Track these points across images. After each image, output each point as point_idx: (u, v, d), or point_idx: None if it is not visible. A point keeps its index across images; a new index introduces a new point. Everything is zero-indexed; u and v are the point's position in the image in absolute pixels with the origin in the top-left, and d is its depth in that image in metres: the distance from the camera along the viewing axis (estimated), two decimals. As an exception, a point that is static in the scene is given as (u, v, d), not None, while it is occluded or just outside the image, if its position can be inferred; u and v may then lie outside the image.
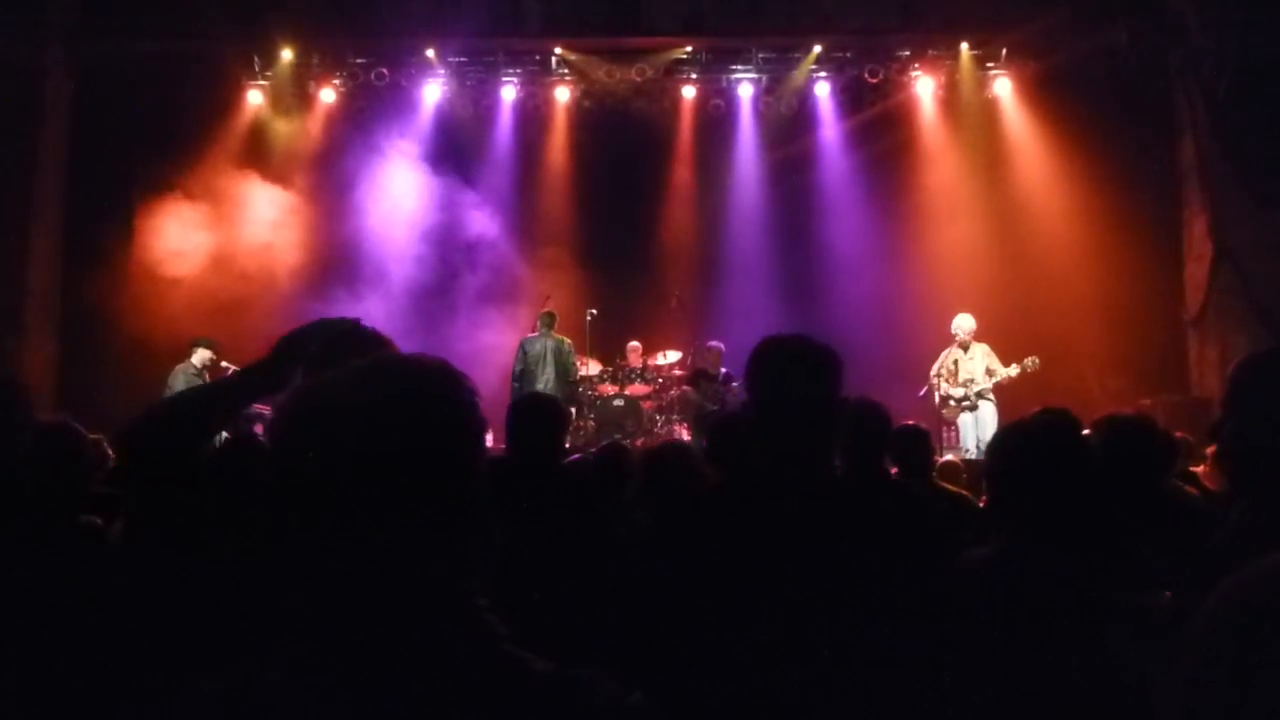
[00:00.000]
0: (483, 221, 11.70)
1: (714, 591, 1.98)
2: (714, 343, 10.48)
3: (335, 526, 1.05)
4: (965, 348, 9.85)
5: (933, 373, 9.93)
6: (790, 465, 2.11)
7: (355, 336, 2.05)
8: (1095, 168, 11.10)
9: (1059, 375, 9.75)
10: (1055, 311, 10.88)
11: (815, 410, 2.11)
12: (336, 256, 11.42)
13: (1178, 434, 4.11)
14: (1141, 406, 8.89)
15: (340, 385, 1.12)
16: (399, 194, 11.68)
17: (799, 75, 12.17)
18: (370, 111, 12.12)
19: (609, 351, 11.01)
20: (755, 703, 1.89)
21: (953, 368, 9.88)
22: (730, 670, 1.90)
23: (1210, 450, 4.35)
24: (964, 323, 9.88)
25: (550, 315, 10.40)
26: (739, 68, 12.32)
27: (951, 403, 9.82)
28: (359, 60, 12.03)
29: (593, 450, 4.98)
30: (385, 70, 11.97)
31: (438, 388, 1.13)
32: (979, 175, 11.95)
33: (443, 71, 12.15)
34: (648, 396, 10.76)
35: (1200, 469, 4.67)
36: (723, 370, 10.29)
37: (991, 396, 9.68)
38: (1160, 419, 5.19)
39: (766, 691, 1.88)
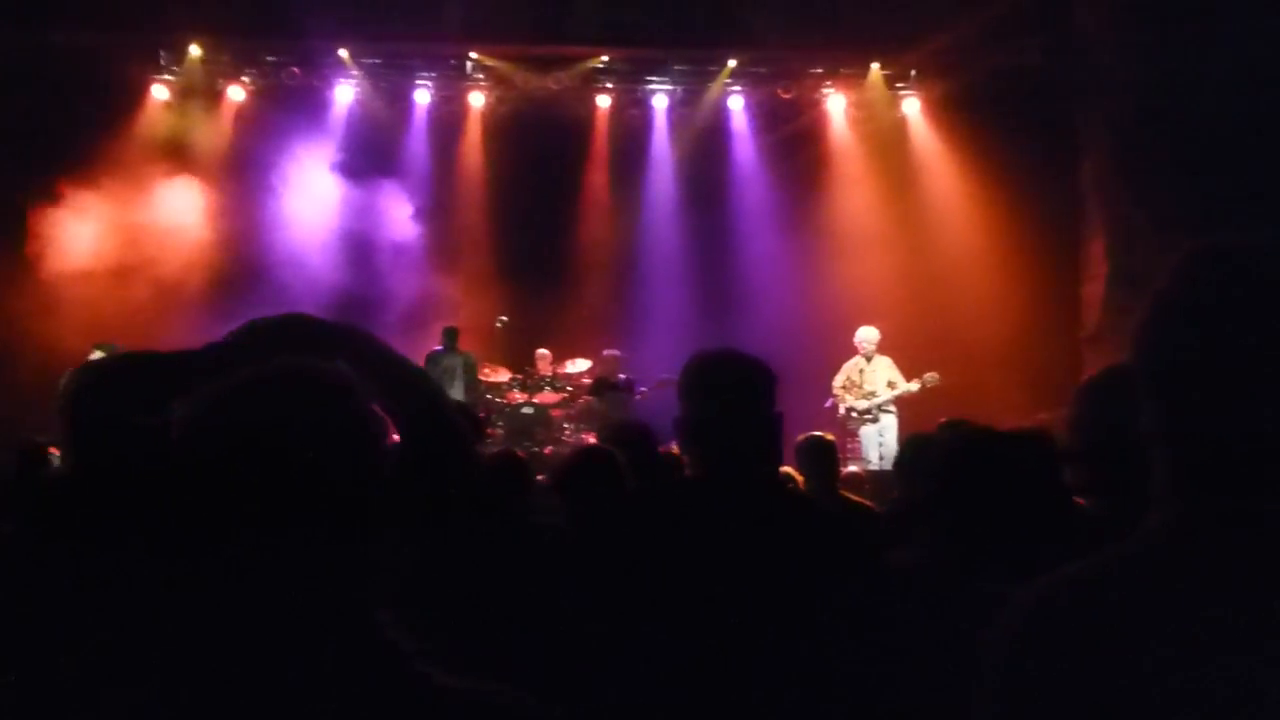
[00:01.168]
0: (394, 226, 11.52)
1: (641, 604, 1.96)
2: (610, 351, 10.60)
3: (227, 540, 1.03)
4: (869, 359, 9.98)
5: (836, 384, 10.03)
6: (730, 477, 2.11)
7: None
8: (999, 187, 11.28)
9: (961, 389, 9.83)
10: (959, 326, 11.06)
11: (755, 425, 2.12)
12: (244, 260, 11.14)
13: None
14: (1039, 420, 9.10)
15: (236, 395, 1.09)
16: (309, 196, 11.47)
17: (714, 88, 12.26)
18: (281, 111, 11.86)
19: (519, 359, 10.95)
20: (679, 715, 1.87)
21: (856, 380, 10.00)
22: (653, 683, 1.88)
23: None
24: (868, 335, 10.02)
25: (453, 331, 10.30)
26: (655, 79, 12.38)
27: (855, 414, 9.93)
28: (270, 58, 11.83)
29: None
30: (297, 69, 11.79)
31: (332, 397, 1.11)
32: (887, 192, 12.11)
33: (356, 73, 12.00)
34: (557, 405, 10.75)
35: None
36: (622, 377, 10.37)
37: (893, 409, 9.82)
38: (1058, 432, 5.45)
39: (690, 704, 1.88)
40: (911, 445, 3.68)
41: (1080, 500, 3.59)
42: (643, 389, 10.32)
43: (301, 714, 1.02)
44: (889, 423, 9.78)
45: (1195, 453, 1.02)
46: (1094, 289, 11.44)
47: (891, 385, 9.80)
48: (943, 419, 4.22)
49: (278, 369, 1.13)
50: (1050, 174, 11.38)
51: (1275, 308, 0.98)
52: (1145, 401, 1.06)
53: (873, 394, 9.82)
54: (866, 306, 10.75)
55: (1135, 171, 10.57)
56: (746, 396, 2.13)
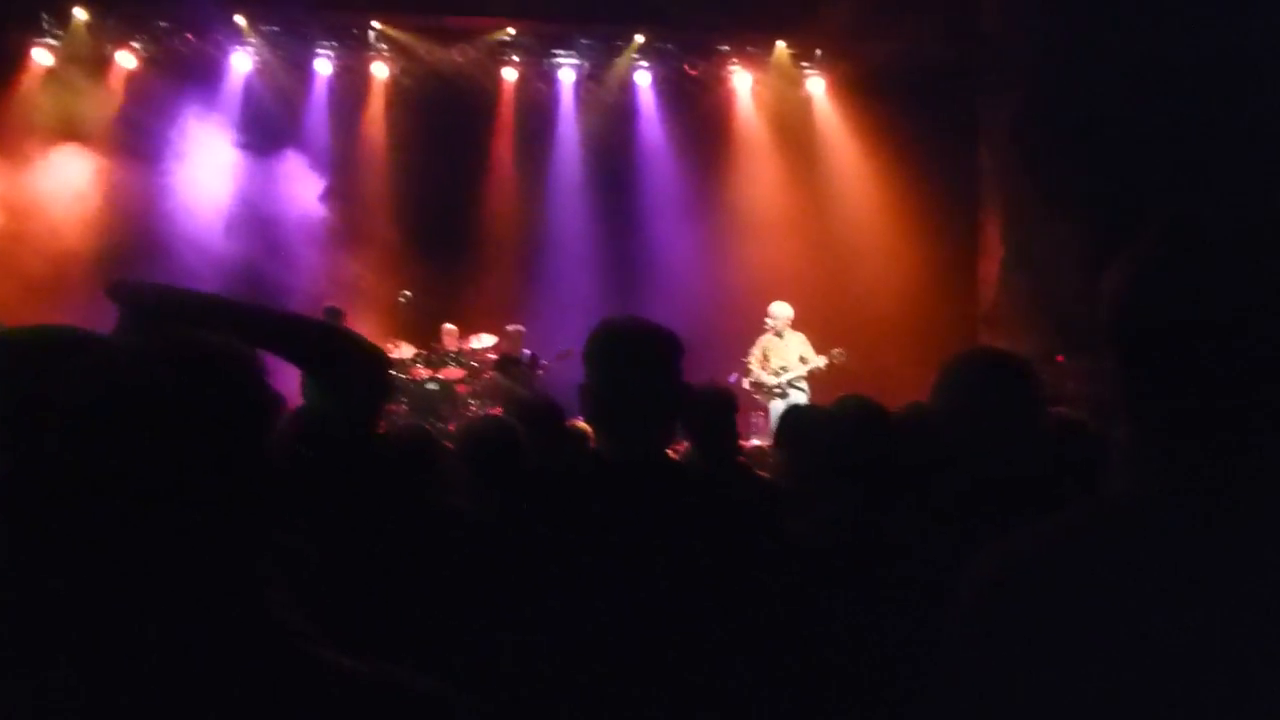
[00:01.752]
0: (294, 200, 11.22)
1: (545, 579, 1.93)
2: (513, 326, 10.53)
3: (109, 517, 0.99)
4: (780, 335, 10.01)
5: (749, 359, 10.06)
6: (631, 450, 2.09)
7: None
8: (900, 167, 11.43)
9: (865, 365, 9.87)
10: (863, 304, 11.18)
11: (660, 393, 2.10)
12: (136, 234, 10.73)
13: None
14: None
15: (117, 368, 1.05)
16: (205, 169, 11.09)
17: (621, 64, 12.21)
18: (174, 80, 11.40)
19: (424, 335, 10.80)
20: (581, 693, 1.85)
21: (767, 354, 10.03)
22: (555, 665, 1.87)
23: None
24: (780, 310, 10.01)
25: (336, 311, 9.82)
26: (561, 53, 12.27)
27: (764, 389, 9.98)
28: (161, 24, 11.38)
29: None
30: (190, 36, 11.40)
31: (219, 368, 1.07)
32: (793, 171, 12.19)
33: (254, 40, 11.64)
34: (462, 380, 10.64)
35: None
36: (526, 352, 10.32)
37: (804, 385, 9.87)
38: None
39: (593, 686, 1.86)
40: (789, 418, 3.63)
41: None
42: (545, 363, 10.29)
43: (187, 694, 0.99)
44: (799, 398, 9.76)
45: (1171, 412, 1.05)
46: (990, 269, 11.72)
47: (803, 360, 9.88)
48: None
49: (162, 341, 1.10)
50: (950, 156, 11.60)
51: (1250, 272, 1.01)
52: (1115, 363, 1.09)
53: (783, 368, 9.85)
54: (773, 285, 10.72)
55: (1030, 156, 10.77)
56: (652, 364, 2.11)
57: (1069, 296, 10.15)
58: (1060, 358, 9.29)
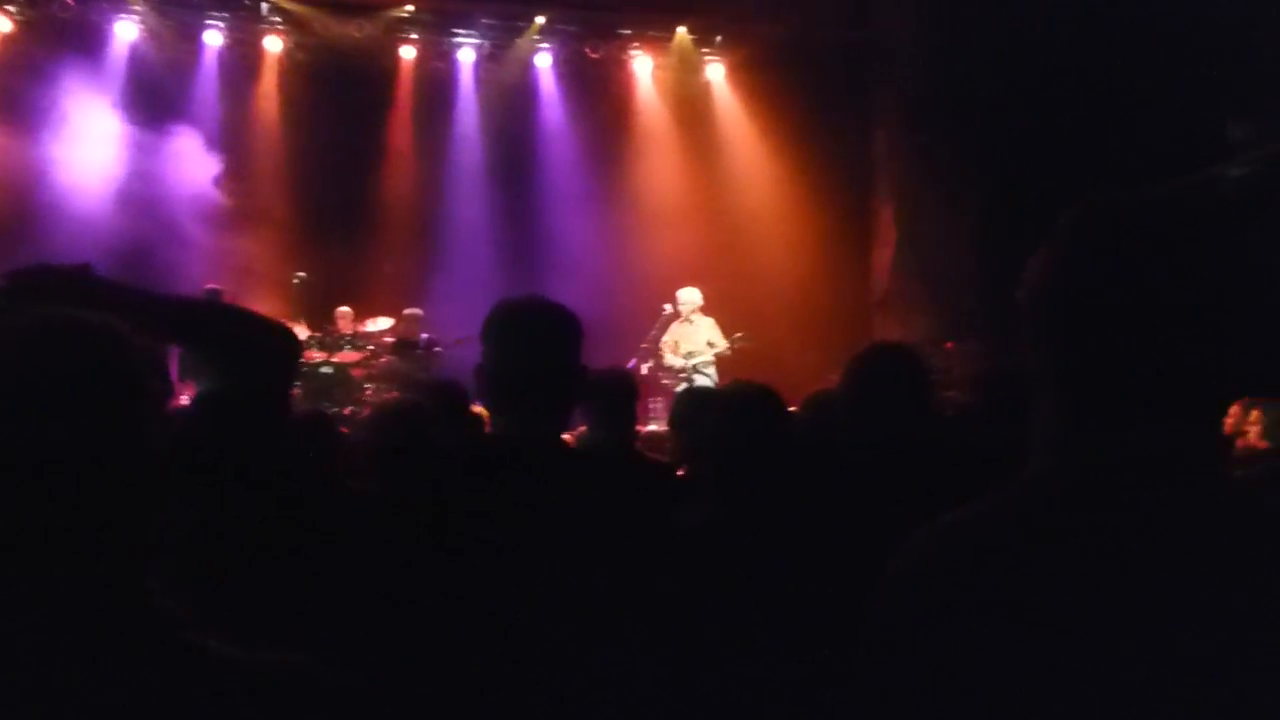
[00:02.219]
0: (182, 177, 10.76)
1: (442, 564, 1.90)
2: (412, 309, 10.35)
3: None
4: (689, 321, 10.02)
5: (662, 346, 10.01)
6: (526, 431, 2.03)
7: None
8: (798, 153, 11.52)
9: (765, 350, 9.90)
10: (762, 289, 11.22)
11: (558, 374, 2.05)
12: (11, 208, 10.22)
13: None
14: (829, 382, 9.39)
15: None
16: (87, 142, 10.59)
17: (521, 45, 12.09)
18: (54, 47, 10.85)
19: (318, 317, 10.55)
20: (480, 674, 1.83)
21: (674, 340, 10.03)
22: (451, 651, 1.84)
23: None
24: (689, 296, 10.02)
25: (216, 293, 9.47)
26: (461, 32, 12.09)
27: (672, 372, 9.98)
28: (39, -12, 10.89)
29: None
30: (71, 1, 10.91)
31: (95, 348, 1.04)
32: (692, 156, 12.20)
33: (139, 8, 11.18)
34: (357, 364, 10.43)
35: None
36: (424, 336, 10.19)
37: (711, 372, 9.89)
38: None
39: (489, 674, 1.84)
40: (681, 402, 3.67)
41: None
42: (441, 348, 10.15)
43: (63, 684, 0.96)
44: (705, 384, 9.61)
45: (1092, 391, 1.09)
46: (882, 254, 11.88)
47: (711, 345, 9.86)
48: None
49: (33, 318, 1.06)
50: (846, 142, 11.74)
51: (1163, 255, 1.06)
52: (1037, 344, 1.13)
53: (691, 353, 9.86)
54: (674, 270, 10.70)
55: (924, 146, 10.92)
56: (549, 343, 2.05)
57: (959, 282, 10.45)
58: (949, 343, 9.50)
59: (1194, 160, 4.79)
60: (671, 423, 3.71)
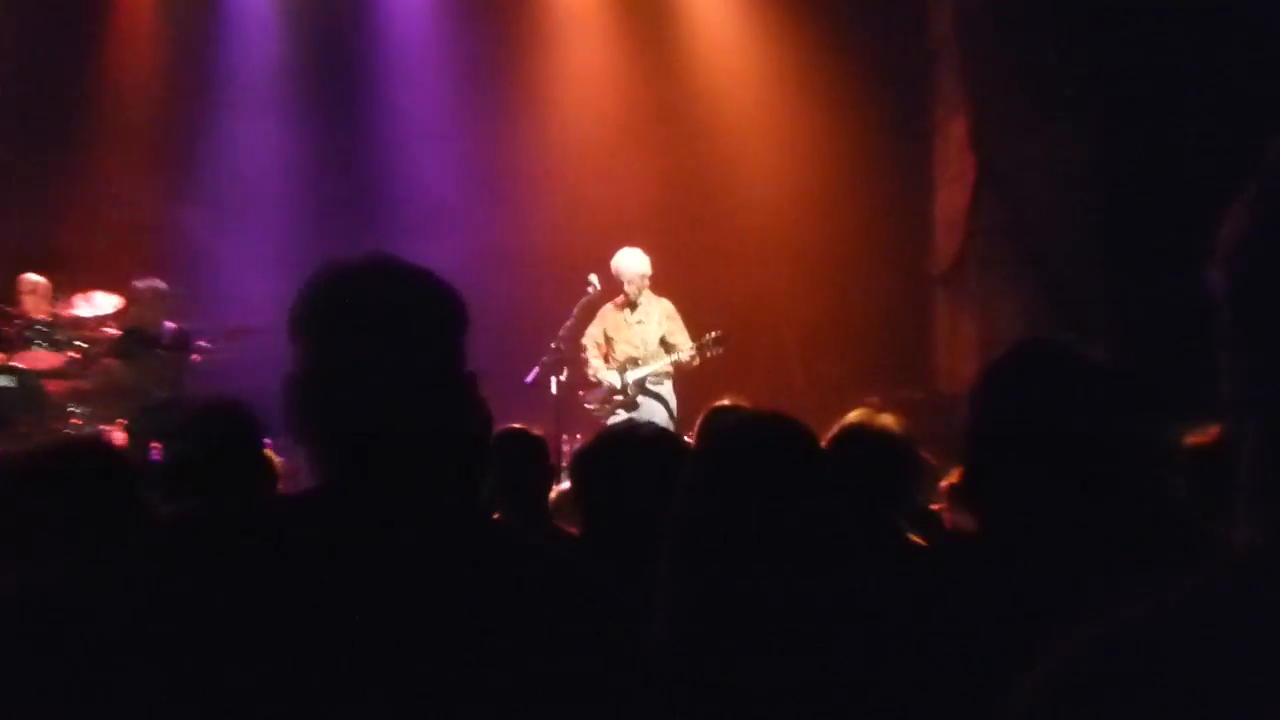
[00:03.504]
0: None
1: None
2: (146, 281, 7.54)
3: None
4: (633, 306, 7.28)
5: (584, 343, 7.40)
6: (376, 486, 1.41)
7: None
8: (808, 54, 8.68)
9: (752, 353, 7.90)
10: (746, 263, 8.88)
11: (425, 383, 1.44)
12: None
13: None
14: (870, 404, 6.37)
15: None
16: None
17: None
18: None
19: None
20: None
21: (610, 336, 7.38)
22: None
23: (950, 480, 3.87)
24: (630, 264, 7.21)
25: None
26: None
27: (602, 396, 7.28)
28: None
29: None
30: None
31: None
32: (641, 54, 9.35)
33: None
34: (57, 371, 7.61)
35: (941, 507, 3.90)
36: (169, 325, 7.55)
37: (667, 385, 7.29)
38: (902, 424, 3.73)
39: None
40: (585, 463, 3.03)
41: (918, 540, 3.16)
42: (203, 343, 7.59)
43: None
44: (656, 410, 7.14)
45: None
46: (952, 197, 8.72)
47: (669, 348, 7.30)
48: (726, 400, 3.95)
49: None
50: (886, 17, 8.90)
51: None
52: (1248, 357, 0.85)
53: (634, 360, 7.33)
54: (603, 225, 8.18)
55: (1006, 23, 7.96)
56: (414, 335, 1.41)
57: (1075, 248, 7.66)
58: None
59: None
60: (573, 484, 3.05)
